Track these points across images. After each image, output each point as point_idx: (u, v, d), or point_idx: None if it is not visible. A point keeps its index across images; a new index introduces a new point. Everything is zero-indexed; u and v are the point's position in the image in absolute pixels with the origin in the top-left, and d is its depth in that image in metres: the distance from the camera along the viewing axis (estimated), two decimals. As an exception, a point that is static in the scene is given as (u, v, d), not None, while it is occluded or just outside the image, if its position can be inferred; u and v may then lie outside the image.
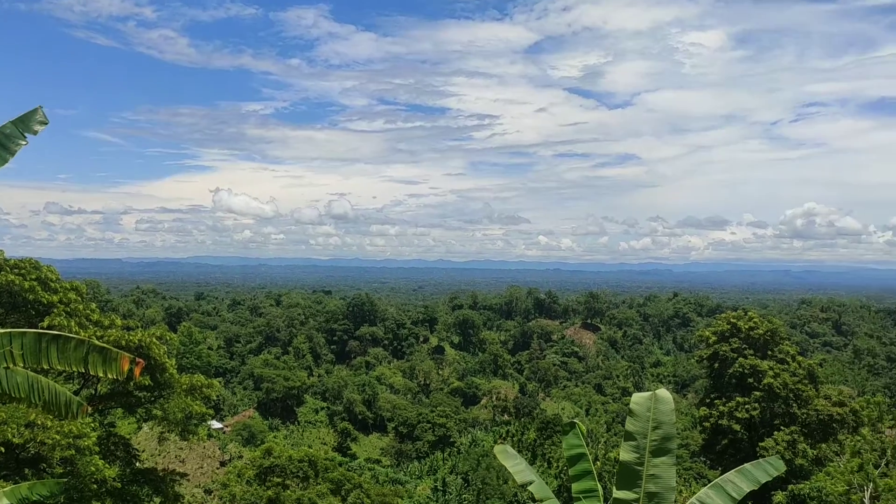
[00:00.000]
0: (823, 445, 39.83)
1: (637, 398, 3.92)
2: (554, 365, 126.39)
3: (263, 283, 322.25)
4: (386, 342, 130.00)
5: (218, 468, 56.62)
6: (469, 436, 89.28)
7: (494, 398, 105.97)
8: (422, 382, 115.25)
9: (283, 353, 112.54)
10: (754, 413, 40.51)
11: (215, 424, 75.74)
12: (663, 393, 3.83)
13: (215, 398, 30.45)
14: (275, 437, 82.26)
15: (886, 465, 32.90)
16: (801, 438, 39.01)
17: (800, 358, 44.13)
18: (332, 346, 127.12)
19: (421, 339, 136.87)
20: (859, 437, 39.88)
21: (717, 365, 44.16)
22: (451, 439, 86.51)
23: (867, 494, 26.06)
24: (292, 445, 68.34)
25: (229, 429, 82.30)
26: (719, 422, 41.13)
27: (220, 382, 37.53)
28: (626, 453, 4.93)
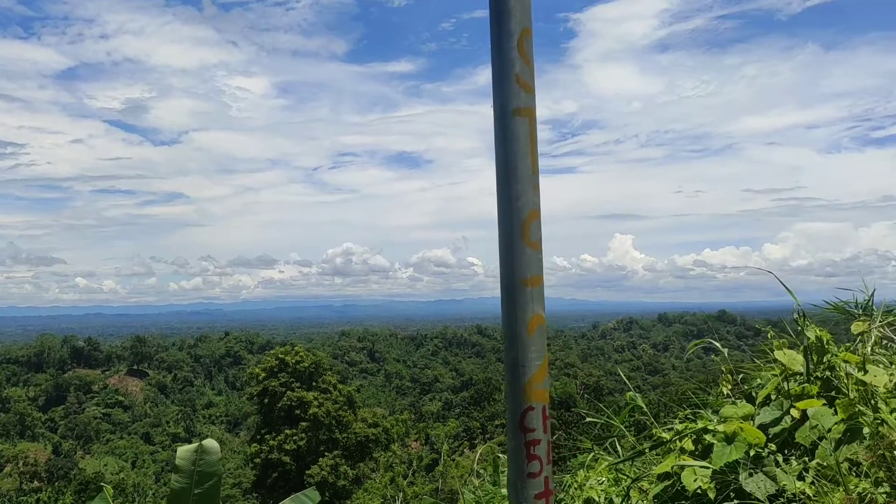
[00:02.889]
0: (362, 464, 43.73)
1: (182, 452, 3.84)
2: (95, 418, 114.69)
3: None
4: None
5: None
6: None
7: (21, 464, 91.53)
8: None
9: None
10: (301, 443, 42.51)
11: None
12: (210, 443, 3.83)
13: None
14: None
15: (413, 474, 37.60)
16: (343, 461, 42.20)
17: (340, 386, 47.86)
18: None
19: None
20: (391, 453, 44.80)
21: (267, 400, 45.28)
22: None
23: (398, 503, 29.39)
24: None
25: None
26: (269, 456, 42.15)
27: None
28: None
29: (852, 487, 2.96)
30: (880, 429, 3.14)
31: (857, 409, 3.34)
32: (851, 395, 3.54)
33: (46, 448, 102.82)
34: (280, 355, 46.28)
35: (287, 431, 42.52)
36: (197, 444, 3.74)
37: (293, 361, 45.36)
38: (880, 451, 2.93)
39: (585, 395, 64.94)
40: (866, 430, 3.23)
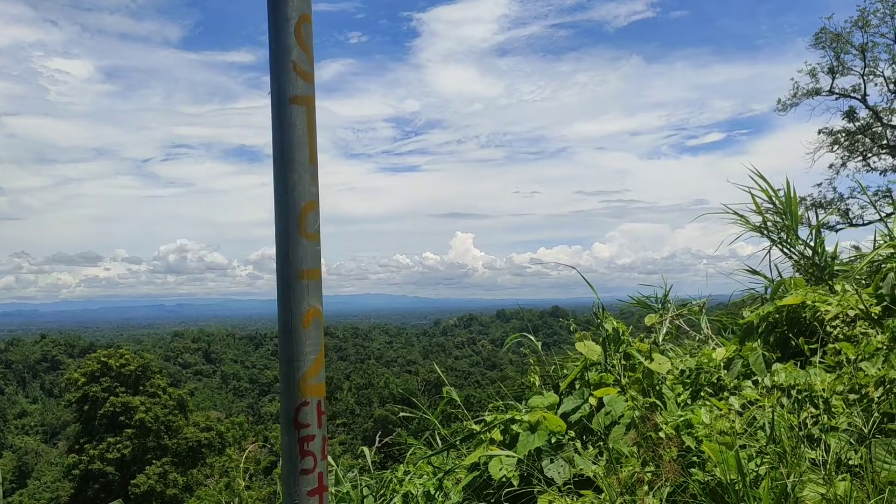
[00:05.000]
0: (195, 471, 41.83)
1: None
2: None
3: None
4: None
5: None
6: None
7: None
8: None
9: None
10: (126, 451, 40.04)
11: None
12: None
13: None
14: None
15: (251, 478, 36.46)
16: (172, 468, 40.19)
17: (171, 389, 45.54)
18: None
19: None
20: (226, 457, 43.21)
21: (87, 407, 42.22)
22: None
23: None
24: None
25: None
26: (90, 466, 39.36)
27: None
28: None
29: (625, 469, 3.19)
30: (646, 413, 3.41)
31: (629, 395, 3.60)
32: (626, 382, 3.82)
33: None
34: (103, 358, 43.29)
35: (110, 439, 39.87)
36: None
37: (117, 365, 42.60)
38: (645, 433, 3.17)
39: (426, 392, 66.01)
40: (636, 413, 3.50)
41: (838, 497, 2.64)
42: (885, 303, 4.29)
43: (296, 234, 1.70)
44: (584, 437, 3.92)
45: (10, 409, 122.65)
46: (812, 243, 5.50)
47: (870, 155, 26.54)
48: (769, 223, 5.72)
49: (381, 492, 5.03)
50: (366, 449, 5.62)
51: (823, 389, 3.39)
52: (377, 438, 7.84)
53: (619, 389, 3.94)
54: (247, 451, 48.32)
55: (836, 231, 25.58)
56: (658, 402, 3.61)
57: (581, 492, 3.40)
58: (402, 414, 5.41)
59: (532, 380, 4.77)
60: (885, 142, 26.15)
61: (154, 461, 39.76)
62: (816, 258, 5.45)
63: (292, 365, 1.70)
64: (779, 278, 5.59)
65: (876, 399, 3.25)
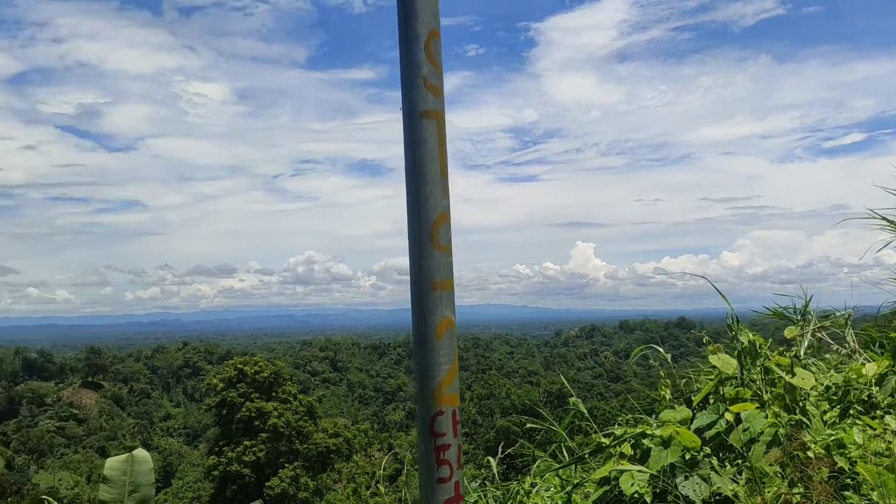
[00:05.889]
0: (324, 475, 43.29)
1: (112, 463, 3.75)
2: (49, 432, 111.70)
3: None
4: None
5: None
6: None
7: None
8: None
9: None
10: (261, 455, 41.96)
11: None
12: (140, 453, 3.75)
13: None
14: None
15: (376, 484, 37.38)
16: (304, 472, 41.73)
17: (301, 396, 47.40)
18: None
19: None
20: (353, 464, 44.45)
21: (225, 411, 44.65)
22: None
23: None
24: None
25: None
26: (228, 468, 41.52)
27: None
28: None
29: (769, 489, 3.01)
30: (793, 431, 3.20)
31: (772, 411, 3.40)
32: (768, 397, 3.61)
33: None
34: (239, 365, 45.69)
35: (246, 443, 41.94)
36: (127, 454, 3.66)
37: (252, 372, 44.82)
38: (792, 452, 2.98)
39: (548, 403, 65.27)
40: (781, 431, 3.29)
41: None
42: None
43: (428, 245, 1.73)
44: (721, 455, 3.75)
45: (156, 412, 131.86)
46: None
47: None
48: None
49: (508, 503, 5.01)
50: (491, 459, 5.62)
51: None
52: (499, 449, 7.83)
53: (757, 405, 3.74)
54: (372, 459, 49.61)
55: None
56: (804, 419, 3.39)
57: (719, 512, 3.24)
58: (528, 425, 5.36)
59: (662, 393, 4.61)
60: None
61: (286, 465, 41.47)
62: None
63: (427, 375, 1.72)
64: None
65: None
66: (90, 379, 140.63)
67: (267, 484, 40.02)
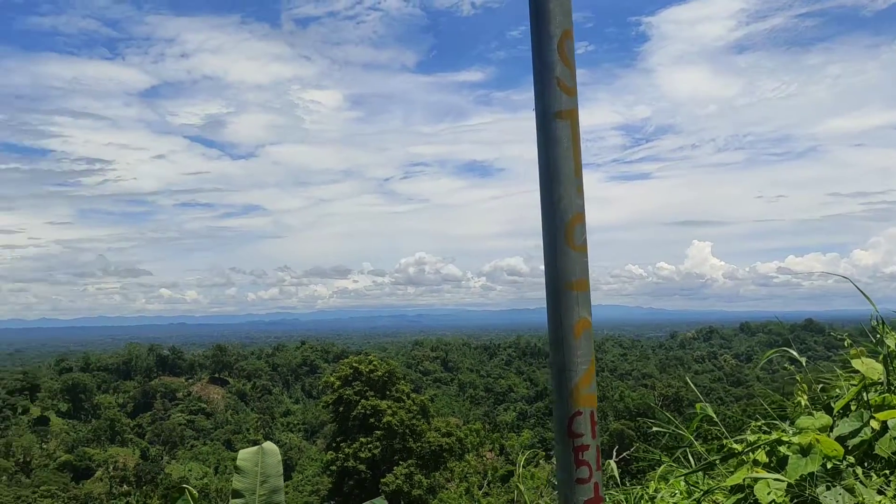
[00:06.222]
0: (437, 474, 43.78)
1: (244, 454, 3.96)
2: (180, 424, 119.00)
3: None
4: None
5: None
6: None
7: (111, 468, 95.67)
8: (20, 460, 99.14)
9: None
10: (376, 451, 42.92)
11: None
12: (269, 446, 3.93)
13: None
14: None
15: (489, 485, 37.43)
16: (417, 470, 42.36)
17: (414, 395, 48.15)
18: None
19: (19, 410, 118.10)
20: (465, 463, 44.74)
21: (342, 408, 45.95)
22: (58, 522, 75.54)
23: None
24: None
25: None
26: (345, 464, 42.72)
27: None
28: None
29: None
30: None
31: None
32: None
33: (135, 453, 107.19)
34: (354, 364, 46.92)
35: (362, 440, 43.00)
36: (257, 447, 3.86)
37: (367, 370, 45.90)
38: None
39: (664, 407, 63.35)
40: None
41: None
42: None
43: (563, 245, 1.72)
44: (866, 465, 3.52)
45: (276, 408, 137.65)
46: None
47: None
48: None
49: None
50: (612, 462, 5.52)
51: None
52: (614, 452, 7.67)
53: (907, 413, 3.49)
54: (484, 459, 49.73)
55: None
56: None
57: (865, 525, 3.05)
58: (655, 428, 5.23)
59: (798, 399, 4.38)
60: None
61: (400, 462, 42.21)
62: None
63: (565, 375, 1.71)
64: None
65: None
66: (217, 375, 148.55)
67: (382, 480, 40.89)
